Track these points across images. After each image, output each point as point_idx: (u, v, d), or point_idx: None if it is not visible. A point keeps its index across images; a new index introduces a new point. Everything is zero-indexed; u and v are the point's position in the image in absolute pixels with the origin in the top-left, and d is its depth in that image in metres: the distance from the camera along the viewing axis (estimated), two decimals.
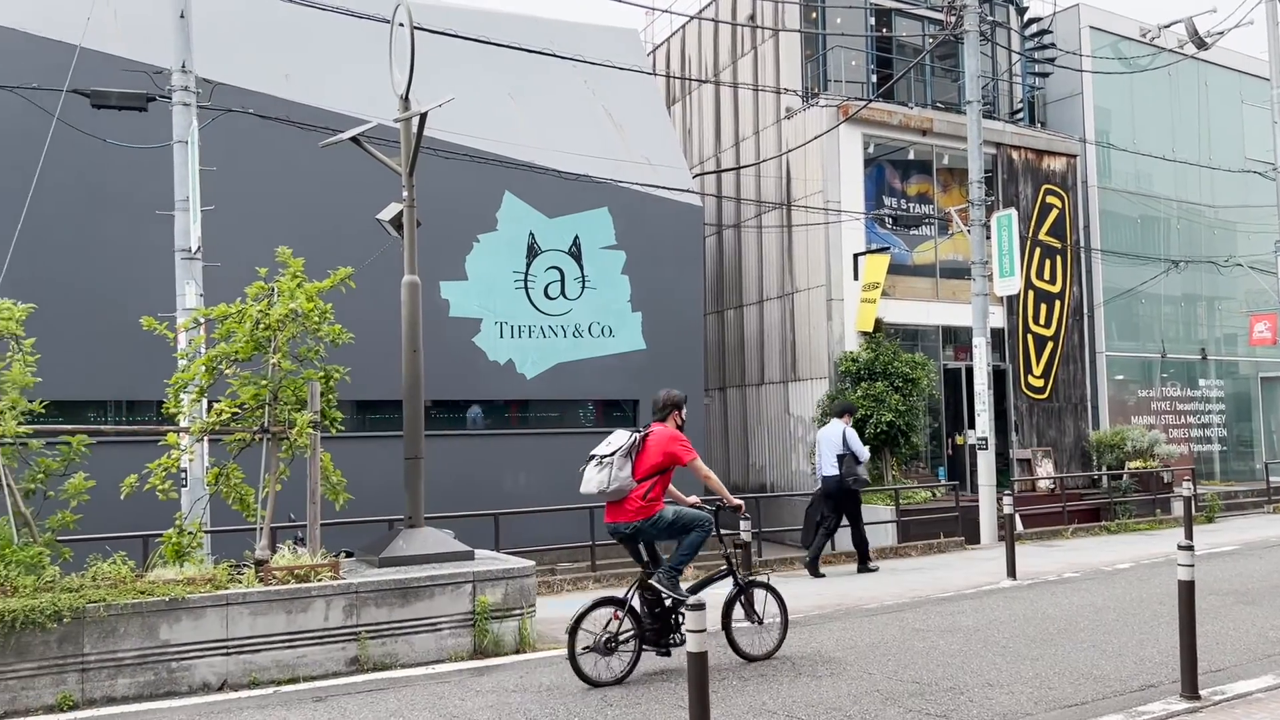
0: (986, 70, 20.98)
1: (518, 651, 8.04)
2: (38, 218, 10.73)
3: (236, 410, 8.05)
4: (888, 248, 19.10)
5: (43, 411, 7.87)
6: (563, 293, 16.64)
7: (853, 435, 12.62)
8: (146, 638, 6.89)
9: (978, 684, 6.56)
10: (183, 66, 10.40)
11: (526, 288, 16.34)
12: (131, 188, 12.19)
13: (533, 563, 8.63)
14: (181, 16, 10.40)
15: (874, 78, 20.55)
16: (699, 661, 4.76)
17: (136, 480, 7.90)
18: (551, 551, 13.81)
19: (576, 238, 16.68)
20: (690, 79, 23.15)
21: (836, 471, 12.46)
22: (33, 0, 10.47)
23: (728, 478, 20.59)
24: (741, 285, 21.37)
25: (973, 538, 15.69)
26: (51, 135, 10.45)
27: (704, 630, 4.76)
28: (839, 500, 12.60)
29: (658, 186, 16.81)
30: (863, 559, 12.76)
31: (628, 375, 16.94)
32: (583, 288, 16.71)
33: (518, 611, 8.18)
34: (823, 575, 12.38)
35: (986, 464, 15.63)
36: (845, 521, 12.78)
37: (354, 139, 9.15)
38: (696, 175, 21.05)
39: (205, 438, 8.60)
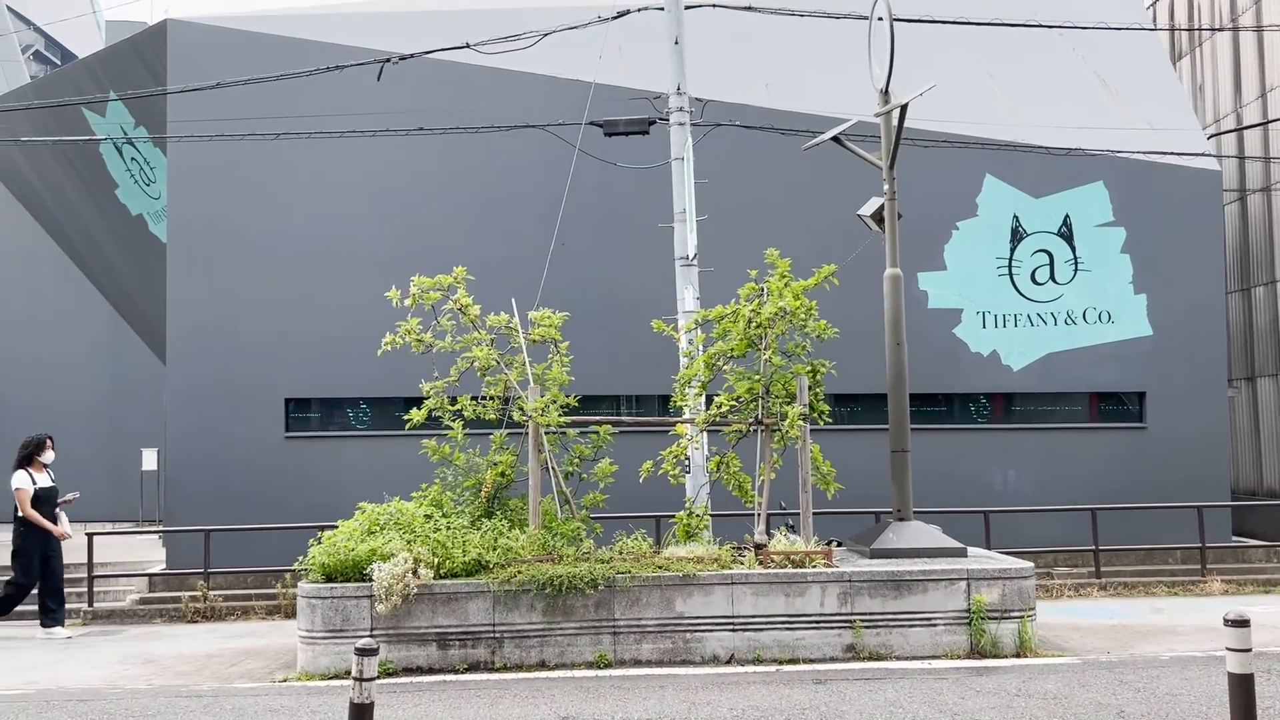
0: None
1: (1017, 655, 7.69)
2: (565, 236, 12.33)
3: (733, 403, 8.62)
4: None
5: (576, 405, 9.04)
6: (1052, 277, 15.56)
7: None
8: (664, 609, 7.63)
9: None
10: (678, 89, 11.36)
11: (1011, 274, 15.52)
12: (638, 204, 13.55)
13: (1031, 564, 8.20)
14: (676, 43, 11.37)
15: None
16: None
17: (652, 466, 8.78)
18: (1046, 554, 13.00)
19: (1067, 217, 15.51)
20: (1200, 29, 20.44)
21: None
22: (555, 48, 12.05)
23: (1260, 481, 17.90)
24: (1274, 258, 18.44)
25: None
26: (574, 163, 11.96)
27: None
28: None
29: (1163, 153, 15.07)
30: None
31: (1129, 365, 15.40)
32: (1075, 270, 15.50)
33: (1016, 613, 7.81)
34: None
35: None
36: None
37: (835, 138, 9.35)
38: (1211, 136, 18.54)
39: (706, 429, 9.30)
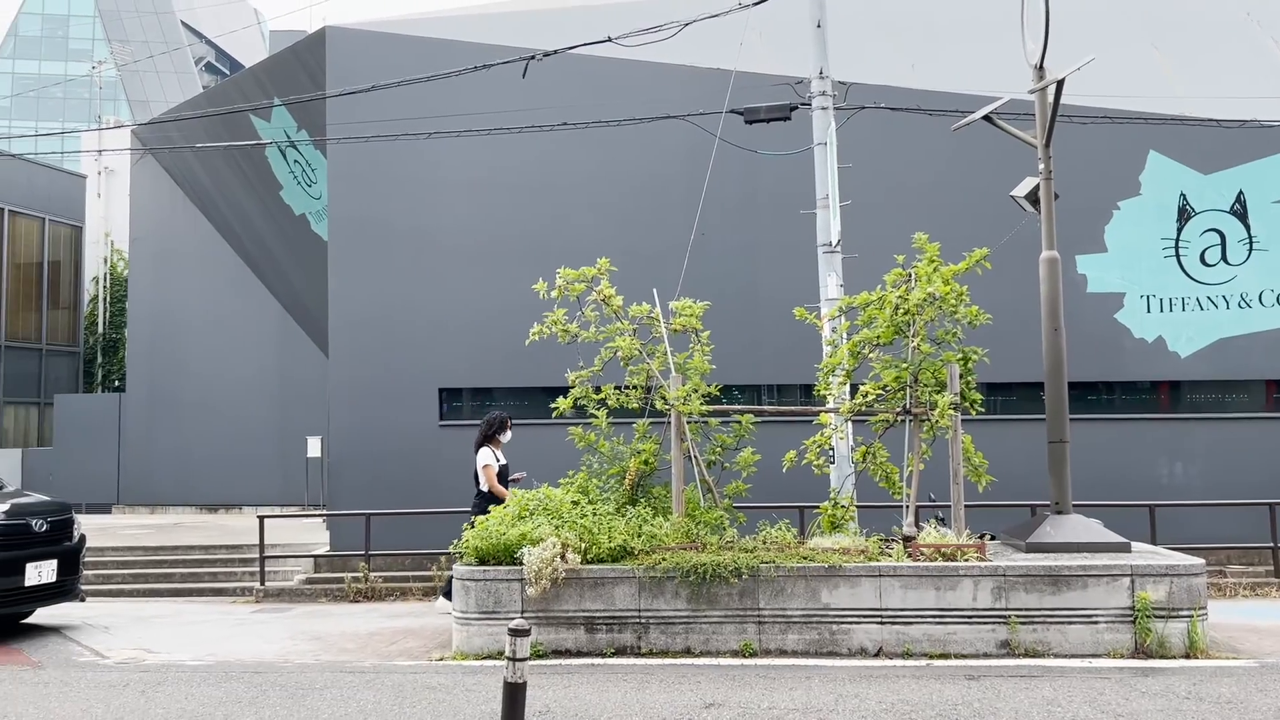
0: None
1: (1186, 656, 7.29)
2: (706, 225, 12.34)
3: (880, 392, 8.46)
4: None
5: (717, 394, 9.05)
6: (1224, 258, 14.61)
7: None
8: (809, 599, 7.56)
9: None
10: (820, 73, 11.19)
11: (1178, 255, 14.65)
12: (779, 191, 13.42)
13: (1201, 560, 7.75)
14: (818, 27, 11.21)
15: None
16: None
17: (795, 456, 8.71)
18: (1219, 550, 12.25)
19: (1240, 193, 14.52)
20: None
21: None
22: (695, 38, 12.05)
23: None
24: None
25: None
26: (714, 153, 11.94)
27: None
28: None
29: None
30: None
31: None
32: (1249, 250, 14.50)
33: (1185, 612, 7.40)
34: None
35: None
36: None
37: (986, 117, 9.03)
38: None
39: (851, 418, 9.16)
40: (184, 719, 6.21)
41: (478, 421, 14.39)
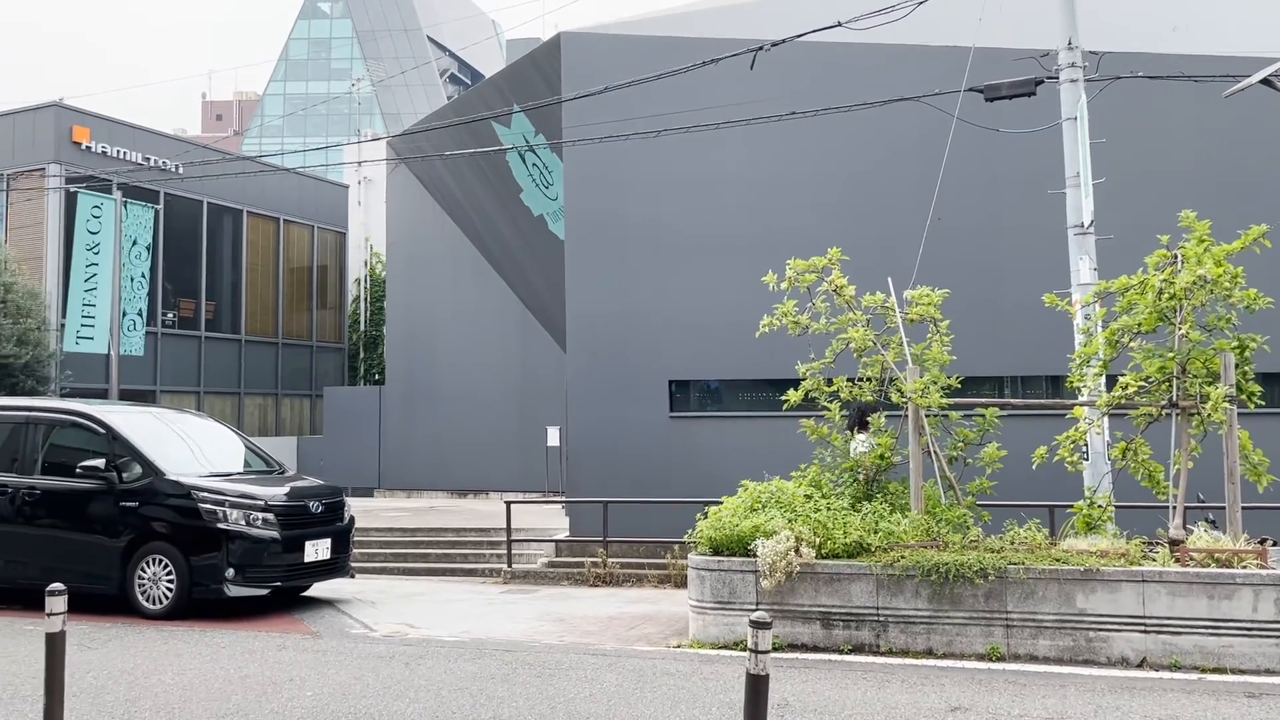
0: None
1: None
2: (943, 209, 11.87)
3: (1142, 384, 7.85)
4: None
5: (958, 386, 8.70)
6: None
7: None
8: (1063, 604, 7.14)
9: None
10: (1069, 44, 10.49)
11: None
12: (1022, 171, 12.73)
13: None
14: None
15: None
16: None
17: (1046, 452, 8.24)
18: None
19: None
20: None
21: None
22: (929, 16, 11.60)
23: None
24: None
25: None
26: (952, 134, 11.46)
27: None
28: None
29: None
30: None
31: None
32: None
33: None
34: None
35: None
36: None
37: (1265, 80, 8.18)
38: None
39: (1109, 412, 8.55)
40: (444, 691, 6.65)
41: (708, 413, 14.65)
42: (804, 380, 9.04)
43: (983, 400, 8.76)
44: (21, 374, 19.69)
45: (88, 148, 22.43)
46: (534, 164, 18.68)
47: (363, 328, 31.41)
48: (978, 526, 8.06)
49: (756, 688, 4.37)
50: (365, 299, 31.45)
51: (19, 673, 7.18)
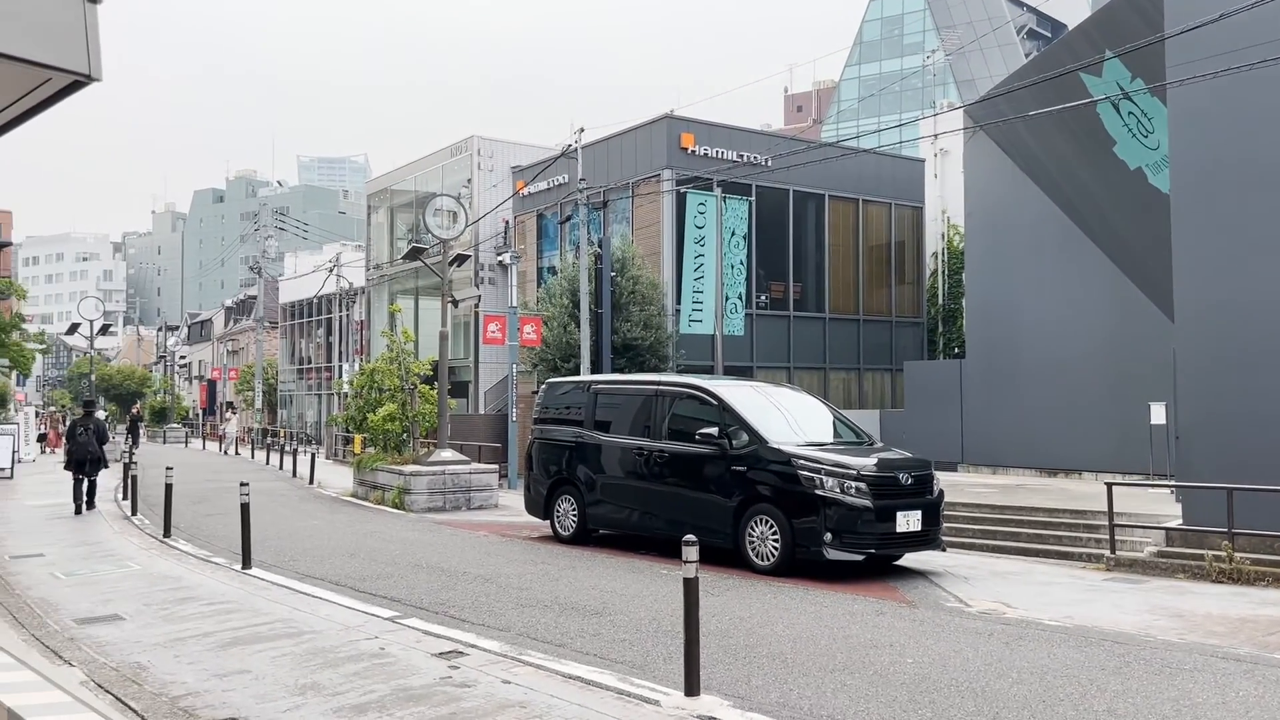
0: None
1: None
2: None
3: None
4: None
5: None
6: None
7: None
8: None
9: None
10: None
11: None
12: None
13: None
14: None
15: None
16: None
17: None
18: None
19: None
20: None
21: None
22: None
23: None
24: None
25: None
26: None
27: None
28: None
29: None
30: None
31: None
32: None
33: None
34: None
35: None
36: None
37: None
38: None
39: None
40: (1049, 675, 6.36)
41: None
42: None
43: None
44: (647, 353, 22.95)
45: (692, 151, 25.20)
46: (1130, 112, 16.94)
47: (941, 301, 31.22)
48: None
49: None
50: (943, 272, 31.22)
51: (661, 610, 8.36)
